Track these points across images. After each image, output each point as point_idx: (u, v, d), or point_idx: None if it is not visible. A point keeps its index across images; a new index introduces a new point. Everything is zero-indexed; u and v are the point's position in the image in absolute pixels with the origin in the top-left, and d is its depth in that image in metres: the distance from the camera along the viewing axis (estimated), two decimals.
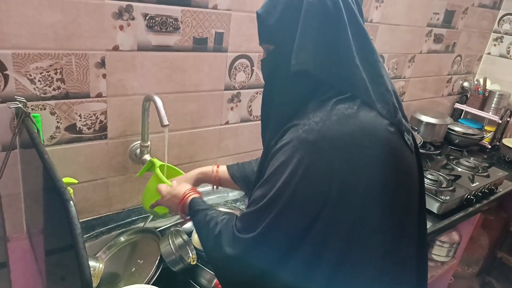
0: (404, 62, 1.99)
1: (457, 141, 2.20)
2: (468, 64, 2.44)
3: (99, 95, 1.09)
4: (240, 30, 1.29)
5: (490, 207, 1.77)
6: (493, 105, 2.32)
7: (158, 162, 1.12)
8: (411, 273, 0.78)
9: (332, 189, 0.65)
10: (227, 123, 1.41)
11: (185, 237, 1.13)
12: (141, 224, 1.24)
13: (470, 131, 2.22)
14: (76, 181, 1.06)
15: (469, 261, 2.12)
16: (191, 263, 1.07)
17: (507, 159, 2.19)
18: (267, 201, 0.68)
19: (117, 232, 1.20)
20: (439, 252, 1.76)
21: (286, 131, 0.71)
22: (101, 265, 1.03)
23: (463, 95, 2.49)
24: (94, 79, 1.06)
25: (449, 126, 2.17)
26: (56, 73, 1.00)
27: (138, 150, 1.21)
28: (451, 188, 1.60)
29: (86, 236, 1.15)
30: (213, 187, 1.11)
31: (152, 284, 1.01)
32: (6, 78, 0.94)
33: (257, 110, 1.47)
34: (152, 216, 1.22)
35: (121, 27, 1.05)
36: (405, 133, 0.73)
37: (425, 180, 1.62)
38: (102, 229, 1.19)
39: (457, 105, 2.49)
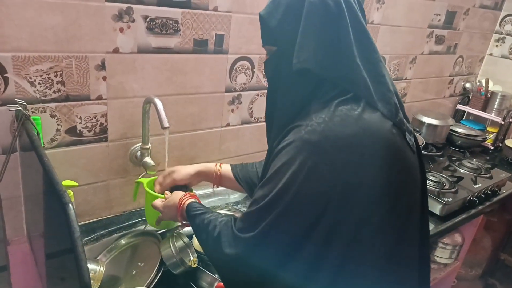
0: (405, 63, 1.98)
1: (459, 142, 2.19)
2: (470, 65, 2.43)
3: (100, 98, 1.09)
4: (240, 32, 1.28)
5: (493, 208, 1.76)
6: (495, 106, 2.31)
7: (145, 180, 1.12)
8: (413, 275, 0.77)
9: (335, 190, 0.65)
10: (228, 125, 1.41)
11: (186, 239, 1.12)
12: (142, 227, 1.24)
13: (472, 132, 2.21)
14: (77, 184, 1.06)
15: (472, 263, 2.11)
16: (192, 266, 1.07)
17: (510, 161, 2.17)
18: (268, 201, 0.68)
19: (117, 235, 1.19)
20: (441, 254, 1.75)
21: (289, 132, 0.70)
22: (101, 268, 1.03)
23: (465, 96, 2.49)
24: (95, 81, 1.06)
25: (451, 128, 2.17)
26: (56, 76, 1.00)
27: (139, 153, 1.20)
28: (453, 190, 1.59)
29: (86, 239, 1.15)
30: (213, 185, 1.11)
31: (152, 287, 1.00)
32: (6, 81, 0.93)
33: (258, 112, 1.47)
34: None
35: (121, 30, 1.05)
36: (407, 134, 0.73)
37: (428, 181, 1.61)
38: (102, 232, 1.19)
39: (459, 106, 2.48)
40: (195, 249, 1.12)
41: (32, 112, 1.00)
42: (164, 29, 1.12)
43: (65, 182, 1.04)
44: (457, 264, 1.88)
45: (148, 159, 1.18)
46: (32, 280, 1.04)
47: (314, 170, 0.65)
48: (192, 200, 0.91)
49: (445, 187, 1.59)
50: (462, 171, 1.85)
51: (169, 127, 1.02)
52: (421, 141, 1.88)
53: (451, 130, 2.18)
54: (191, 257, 1.10)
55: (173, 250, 1.05)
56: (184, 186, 1.10)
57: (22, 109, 0.93)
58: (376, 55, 0.73)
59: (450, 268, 1.84)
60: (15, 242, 1.10)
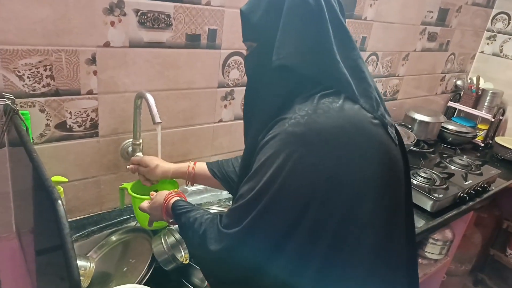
0: (398, 60, 1.99)
1: (450, 139, 2.21)
2: (462, 62, 2.45)
3: (90, 92, 1.07)
4: (233, 27, 1.27)
5: (483, 205, 1.78)
6: (486, 104, 2.33)
7: (128, 185, 1.12)
8: (401, 272, 0.77)
9: (320, 182, 0.64)
10: (220, 121, 1.40)
11: (178, 236, 1.11)
12: (133, 223, 1.23)
13: (463, 129, 2.23)
14: (66, 180, 1.05)
15: (462, 259, 2.13)
16: (184, 262, 1.06)
17: (500, 157, 2.20)
18: (254, 195, 0.68)
19: (108, 231, 1.18)
20: (432, 250, 1.77)
21: (274, 125, 0.70)
22: (92, 265, 1.02)
23: (456, 94, 2.50)
24: (85, 76, 1.04)
25: (442, 124, 2.18)
26: (45, 70, 0.98)
27: (130, 148, 1.19)
28: (444, 186, 1.60)
29: (77, 235, 1.14)
30: (186, 182, 1.10)
31: (144, 284, 1.00)
32: None
33: None
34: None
35: (112, 23, 1.04)
36: (389, 127, 0.73)
37: (419, 178, 1.62)
38: (93, 228, 1.18)
39: (451, 103, 2.50)
40: (186, 245, 1.12)
41: (21, 106, 0.98)
42: (156, 23, 1.11)
43: (55, 178, 1.03)
44: (447, 260, 1.90)
45: (139, 155, 1.17)
46: (21, 277, 1.03)
47: (299, 162, 0.65)
48: (177, 198, 0.90)
49: (436, 184, 1.60)
50: (453, 167, 1.86)
51: (161, 122, 1.01)
52: (413, 137, 1.88)
53: (443, 127, 2.20)
54: (183, 254, 1.09)
55: (164, 247, 1.04)
56: (171, 182, 1.11)
57: (10, 103, 0.91)
58: (356, 52, 0.73)
59: (440, 264, 1.86)
60: (3, 239, 1.08)
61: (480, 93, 2.34)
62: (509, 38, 2.37)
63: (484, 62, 2.49)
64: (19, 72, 0.95)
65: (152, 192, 1.00)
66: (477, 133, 2.31)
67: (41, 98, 1.00)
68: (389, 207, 0.72)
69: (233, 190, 1.03)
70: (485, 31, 2.46)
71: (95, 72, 1.06)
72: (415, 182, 1.60)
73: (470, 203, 1.65)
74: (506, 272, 2.41)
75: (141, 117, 1.12)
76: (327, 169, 0.65)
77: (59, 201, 0.58)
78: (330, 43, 0.69)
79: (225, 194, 1.44)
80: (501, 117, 2.37)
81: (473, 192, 1.67)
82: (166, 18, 1.12)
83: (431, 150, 2.00)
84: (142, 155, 1.15)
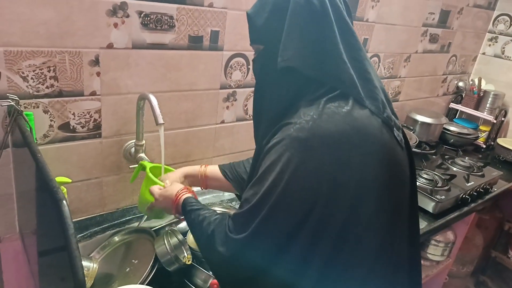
0: (399, 61, 1.99)
1: (452, 140, 2.21)
2: (463, 64, 2.45)
3: (93, 94, 1.07)
4: (236, 29, 1.28)
5: (484, 206, 1.78)
6: (487, 105, 2.33)
7: (148, 164, 1.11)
8: (403, 273, 0.78)
9: (323, 186, 0.65)
10: (222, 122, 1.40)
11: (180, 237, 1.12)
12: (136, 224, 1.23)
13: (465, 131, 2.23)
14: (70, 181, 1.05)
15: (464, 261, 2.13)
16: (186, 263, 1.06)
17: (502, 159, 2.20)
18: (258, 200, 0.68)
19: (111, 232, 1.18)
20: (434, 252, 1.77)
21: (279, 130, 0.71)
22: (95, 265, 1.02)
23: (458, 95, 2.50)
24: (88, 77, 1.05)
25: (444, 126, 2.18)
26: (49, 71, 0.98)
27: (133, 149, 1.20)
28: (446, 188, 1.60)
29: (79, 236, 1.14)
30: (201, 188, 1.11)
31: (146, 285, 1.00)
32: None
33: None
34: (147, 216, 1.21)
35: (116, 25, 1.04)
36: (395, 129, 0.73)
37: (421, 179, 1.62)
38: (96, 229, 1.18)
39: (452, 105, 2.50)
40: (189, 246, 1.12)
41: (25, 107, 0.98)
42: (159, 25, 1.11)
43: (58, 179, 1.03)
44: (449, 262, 1.89)
45: (142, 155, 1.17)
46: (24, 278, 1.03)
47: (301, 166, 0.65)
48: (189, 195, 0.91)
49: (438, 185, 1.60)
50: (454, 169, 1.86)
51: (164, 123, 1.01)
52: (415, 139, 1.88)
53: (444, 128, 2.20)
54: (185, 254, 1.09)
55: (167, 247, 1.04)
56: None
57: (14, 104, 0.91)
58: (362, 52, 0.73)
59: (442, 265, 1.86)
60: (7, 240, 1.09)
61: (481, 94, 2.35)
62: (511, 40, 2.37)
63: (485, 63, 2.50)
64: (23, 73, 0.95)
65: (167, 181, 1.00)
66: (479, 135, 2.31)
67: (44, 99, 1.01)
68: (391, 209, 0.72)
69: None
70: (487, 33, 2.46)
71: (98, 74, 1.06)
72: (417, 183, 1.60)
73: (472, 205, 1.65)
74: (507, 274, 2.40)
75: (143, 118, 1.13)
76: (329, 173, 0.65)
77: (64, 202, 0.59)
78: (336, 44, 0.69)
79: (227, 195, 1.44)
80: (503, 119, 2.37)
81: (475, 193, 1.67)
82: (169, 20, 1.13)
83: (433, 151, 2.00)
84: (146, 159, 1.15)
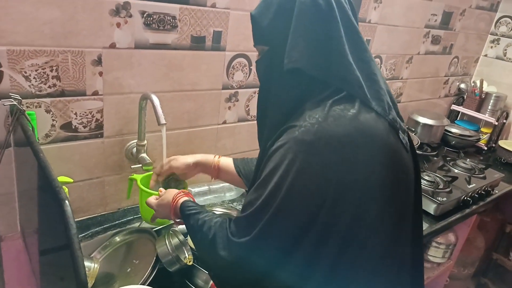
0: (401, 63, 1.99)
1: (453, 142, 2.21)
2: (465, 65, 2.45)
3: (95, 93, 1.07)
4: (238, 29, 1.28)
5: (486, 208, 1.77)
6: (489, 107, 2.32)
7: (138, 177, 1.11)
8: (406, 276, 0.77)
9: (328, 189, 0.64)
10: (224, 122, 1.40)
11: (182, 237, 1.12)
12: (137, 224, 1.23)
13: (466, 133, 2.23)
14: (72, 180, 1.05)
15: (465, 263, 2.13)
16: (188, 263, 1.06)
17: (503, 161, 2.19)
18: (261, 203, 0.68)
19: (112, 232, 1.18)
20: (435, 253, 1.77)
21: (283, 132, 0.70)
22: (96, 265, 1.02)
23: (459, 97, 2.50)
24: (91, 76, 1.05)
25: (445, 128, 2.18)
26: (51, 71, 0.98)
27: (135, 149, 1.19)
28: (447, 190, 1.60)
29: (81, 236, 1.14)
30: (211, 178, 1.10)
31: (147, 285, 1.00)
32: (0, 75, 0.92)
33: (254, 109, 1.46)
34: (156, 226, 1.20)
35: (118, 25, 1.04)
36: (400, 132, 0.73)
37: (422, 181, 1.62)
38: (97, 228, 1.18)
39: (454, 107, 2.49)
40: (190, 247, 1.12)
41: (27, 107, 0.98)
42: (162, 25, 1.11)
43: (60, 178, 1.03)
44: (450, 263, 1.89)
45: (144, 156, 1.17)
46: (26, 277, 1.03)
47: (305, 169, 0.64)
48: (186, 198, 0.90)
49: (439, 187, 1.60)
50: (456, 171, 1.86)
51: (165, 123, 1.01)
52: (416, 140, 1.88)
53: (446, 130, 2.19)
54: (187, 255, 1.09)
55: (168, 248, 1.04)
56: (179, 183, 1.09)
57: (16, 103, 0.91)
58: (368, 53, 0.73)
59: (443, 267, 1.86)
60: (8, 239, 1.09)
61: (483, 96, 2.34)
62: None
63: (487, 65, 2.49)
64: (25, 72, 0.95)
65: (161, 189, 1.00)
66: (481, 137, 2.31)
67: (47, 98, 1.01)
68: (396, 213, 0.72)
69: None
70: (489, 35, 2.46)
71: (100, 73, 1.06)
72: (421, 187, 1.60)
73: (474, 207, 1.64)
74: (509, 277, 2.40)
75: (145, 118, 1.13)
76: (334, 177, 0.64)
77: (67, 201, 0.59)
78: (342, 45, 0.69)
79: (228, 196, 1.44)
80: (504, 121, 2.36)
81: (476, 195, 1.67)
82: (171, 20, 1.13)
83: (435, 153, 2.00)
84: (148, 159, 1.15)
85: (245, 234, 0.69)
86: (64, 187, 1.04)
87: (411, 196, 0.77)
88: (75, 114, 1.07)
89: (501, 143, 2.24)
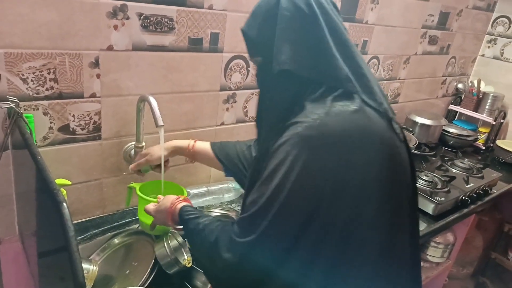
0: (399, 63, 1.99)
1: (451, 142, 2.21)
2: (462, 65, 2.45)
3: (93, 95, 1.07)
4: (235, 31, 1.28)
5: (484, 208, 1.78)
6: (487, 107, 2.33)
7: (137, 185, 1.12)
8: (405, 274, 0.78)
9: (327, 186, 0.65)
10: (222, 124, 1.40)
11: (180, 239, 1.12)
12: (136, 226, 1.23)
13: (464, 133, 2.23)
14: (70, 183, 1.05)
15: (463, 262, 2.13)
16: (186, 265, 1.06)
17: (501, 161, 2.20)
18: (265, 201, 0.68)
19: (111, 234, 1.18)
20: (434, 253, 1.77)
21: (286, 129, 0.71)
22: (94, 268, 1.02)
23: (457, 97, 2.51)
24: (88, 79, 1.05)
25: (443, 128, 2.18)
26: (49, 73, 0.99)
27: (133, 151, 1.19)
28: (446, 189, 1.60)
29: (79, 238, 1.14)
30: (185, 159, 1.12)
31: (146, 287, 1.00)
32: None
33: (252, 111, 1.46)
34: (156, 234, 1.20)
35: (116, 27, 1.04)
36: (393, 122, 0.74)
37: (420, 181, 1.62)
38: (95, 231, 1.18)
39: (451, 107, 2.50)
40: (189, 248, 1.12)
41: (25, 109, 0.98)
42: (159, 27, 1.11)
43: (58, 181, 1.03)
44: (449, 263, 1.89)
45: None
46: (24, 280, 1.03)
47: (307, 166, 0.65)
48: (184, 203, 0.89)
49: (437, 187, 1.60)
50: (454, 170, 1.86)
51: (163, 125, 1.01)
52: (414, 141, 1.89)
53: (444, 130, 2.20)
54: (185, 257, 1.09)
55: (167, 250, 1.04)
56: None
57: (14, 106, 0.91)
58: (353, 49, 0.74)
59: (442, 267, 1.86)
60: (6, 241, 1.09)
61: (481, 96, 2.35)
62: (510, 42, 2.38)
63: (484, 65, 2.50)
64: (23, 75, 0.95)
65: (160, 196, 1.00)
66: (478, 136, 2.31)
67: (44, 101, 1.01)
68: (393, 208, 0.73)
69: (234, 175, 1.09)
70: (486, 35, 2.47)
71: (98, 75, 1.06)
72: (416, 181, 1.60)
73: (472, 206, 1.65)
74: (507, 276, 2.40)
75: (143, 120, 1.13)
76: (333, 173, 0.65)
77: (64, 204, 0.59)
78: (326, 43, 0.71)
79: (226, 197, 1.44)
80: (502, 120, 2.37)
81: (474, 195, 1.67)
82: (169, 22, 1.13)
83: (433, 153, 2.01)
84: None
85: (250, 233, 0.69)
86: (62, 189, 1.05)
87: (409, 192, 0.78)
88: (73, 116, 1.07)
89: (499, 142, 2.25)
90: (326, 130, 0.66)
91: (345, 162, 0.66)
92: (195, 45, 1.21)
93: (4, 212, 1.06)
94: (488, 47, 2.47)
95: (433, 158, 2.00)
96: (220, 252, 0.71)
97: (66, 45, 0.98)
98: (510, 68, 2.39)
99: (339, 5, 1.53)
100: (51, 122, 1.04)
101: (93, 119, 1.10)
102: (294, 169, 0.65)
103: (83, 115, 1.08)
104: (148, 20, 1.09)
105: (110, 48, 1.05)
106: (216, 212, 1.33)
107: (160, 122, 1.01)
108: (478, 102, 2.36)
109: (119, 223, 1.23)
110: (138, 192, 1.08)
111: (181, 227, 0.88)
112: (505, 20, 2.38)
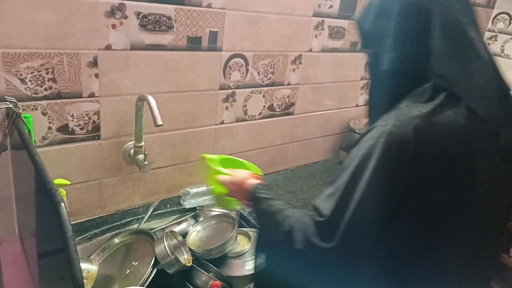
0: None
1: None
2: None
3: (92, 95, 1.07)
4: (234, 29, 1.28)
5: None
6: None
7: (207, 155, 1.08)
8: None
9: (407, 191, 0.63)
10: (222, 123, 1.40)
11: (180, 238, 1.12)
12: (135, 226, 1.23)
13: None
14: (69, 183, 1.05)
15: None
16: (186, 264, 1.06)
17: None
18: (339, 201, 0.66)
19: (111, 233, 1.18)
20: None
21: (372, 129, 0.69)
22: (95, 267, 1.02)
23: None
24: (87, 78, 1.05)
25: None
26: (47, 73, 0.98)
27: (132, 151, 1.19)
28: None
29: (79, 238, 1.14)
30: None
31: (147, 286, 1.00)
32: None
33: (252, 109, 1.46)
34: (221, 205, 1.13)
35: (114, 26, 1.04)
36: (501, 132, 0.69)
37: None
38: (95, 231, 1.18)
39: None
40: (189, 248, 1.12)
41: (23, 109, 0.98)
42: (157, 26, 1.11)
43: (57, 181, 1.03)
44: None
45: (141, 157, 1.17)
46: (24, 280, 1.03)
47: (384, 167, 0.63)
48: (259, 181, 0.88)
49: None
50: None
51: (162, 124, 1.01)
52: None
53: None
54: (186, 256, 1.09)
55: (167, 249, 1.04)
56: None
57: (12, 106, 0.91)
58: (471, 49, 0.70)
59: None
60: (6, 242, 1.09)
61: None
62: (510, 38, 2.37)
63: None
64: (21, 75, 0.95)
65: (234, 170, 0.98)
66: None
67: (43, 101, 1.00)
68: (484, 220, 0.69)
69: None
70: (486, 32, 2.46)
71: (96, 75, 1.06)
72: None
73: None
74: (510, 274, 2.40)
75: (143, 120, 1.13)
76: (417, 184, 0.63)
77: (62, 204, 0.58)
78: (442, 44, 0.68)
79: None
80: None
81: None
82: (167, 21, 1.12)
83: None
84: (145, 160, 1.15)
85: (330, 239, 0.66)
86: (61, 189, 1.05)
87: (502, 207, 0.73)
88: (72, 116, 1.06)
89: None
90: (414, 135, 0.63)
91: (431, 173, 0.63)
92: (193, 44, 1.20)
93: (3, 213, 1.05)
94: (489, 43, 2.46)
95: None
96: (294, 245, 0.69)
97: (64, 45, 0.98)
98: (511, 64, 2.38)
99: (338, 3, 1.52)
100: (50, 122, 1.04)
101: (92, 118, 1.10)
102: (367, 171, 0.64)
103: (82, 115, 1.08)
104: (147, 19, 1.08)
105: (108, 47, 1.05)
106: (217, 211, 1.33)
107: (160, 122, 1.00)
108: None
109: (119, 222, 1.23)
110: (212, 163, 1.03)
111: (251, 203, 0.86)
112: (506, 16, 2.37)
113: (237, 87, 1.38)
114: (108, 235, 1.18)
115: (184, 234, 1.19)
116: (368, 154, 0.65)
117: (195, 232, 1.23)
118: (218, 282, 1.03)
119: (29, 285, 1.00)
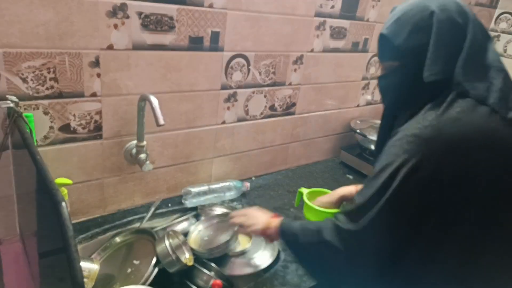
0: None
1: None
2: None
3: (94, 95, 1.07)
4: (236, 29, 1.28)
5: None
6: None
7: (305, 190, 1.21)
8: None
9: (440, 189, 0.67)
10: (223, 122, 1.40)
11: (182, 237, 1.12)
12: (137, 225, 1.23)
13: None
14: (70, 182, 1.05)
15: None
16: (188, 264, 1.06)
17: None
18: (370, 199, 0.72)
19: (112, 233, 1.18)
20: None
21: (399, 132, 0.75)
22: (96, 267, 1.01)
23: None
24: (88, 78, 1.05)
25: None
26: (49, 72, 0.98)
27: (134, 150, 1.19)
28: None
29: (81, 237, 1.14)
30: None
31: (148, 285, 1.00)
32: None
33: (253, 109, 1.46)
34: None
35: (116, 26, 1.04)
36: None
37: None
38: (97, 230, 1.18)
39: None
40: (190, 247, 1.12)
41: (25, 109, 0.98)
42: (159, 26, 1.11)
43: (59, 180, 1.03)
44: None
45: (143, 157, 1.17)
46: (25, 280, 1.03)
47: (417, 170, 0.68)
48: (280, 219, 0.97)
49: None
50: None
51: (164, 124, 1.01)
52: None
53: None
54: (187, 255, 1.09)
55: (168, 248, 1.04)
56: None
57: (14, 106, 0.91)
58: (498, 63, 0.79)
59: None
60: (7, 242, 1.09)
61: None
62: None
63: None
64: (22, 74, 0.95)
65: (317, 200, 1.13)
66: None
67: (44, 100, 1.01)
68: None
69: None
70: (489, 31, 2.45)
71: (98, 75, 1.06)
72: None
73: None
74: None
75: (144, 119, 1.13)
76: (446, 179, 0.67)
77: (63, 203, 0.58)
78: (475, 55, 0.75)
79: (228, 195, 1.43)
80: None
81: None
82: (169, 21, 1.12)
83: None
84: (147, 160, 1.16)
85: (354, 222, 0.73)
86: (63, 189, 1.05)
87: None
88: (74, 115, 1.06)
89: None
90: (440, 134, 0.68)
91: (460, 169, 0.67)
92: (195, 44, 1.20)
93: (4, 212, 1.06)
94: None
95: None
96: (324, 236, 0.76)
97: (65, 44, 0.98)
98: None
99: (339, 3, 1.52)
100: (51, 122, 1.04)
101: (94, 118, 1.10)
102: (401, 172, 0.68)
103: (83, 114, 1.08)
104: (148, 19, 1.08)
105: (110, 47, 1.05)
106: (218, 210, 1.33)
107: (162, 122, 1.00)
108: None
109: (120, 222, 1.23)
110: (305, 199, 1.15)
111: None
112: (509, 16, 2.36)
113: (239, 87, 1.38)
114: (109, 234, 1.18)
115: (186, 234, 1.19)
116: (395, 161, 0.70)
117: (197, 232, 1.23)
118: (219, 281, 1.03)
119: (30, 284, 1.00)
